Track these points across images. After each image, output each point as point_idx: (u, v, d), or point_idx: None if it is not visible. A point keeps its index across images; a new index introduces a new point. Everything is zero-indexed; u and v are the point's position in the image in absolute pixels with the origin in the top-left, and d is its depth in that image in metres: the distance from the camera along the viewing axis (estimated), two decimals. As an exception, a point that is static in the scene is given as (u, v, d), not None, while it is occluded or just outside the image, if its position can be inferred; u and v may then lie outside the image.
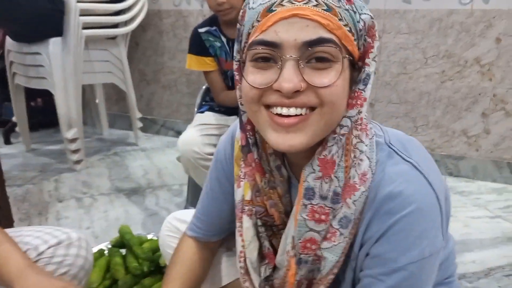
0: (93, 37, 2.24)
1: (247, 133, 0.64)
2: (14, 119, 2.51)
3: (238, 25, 0.58)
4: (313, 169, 0.57)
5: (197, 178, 1.49)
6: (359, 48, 0.54)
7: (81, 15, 2.08)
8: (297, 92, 0.51)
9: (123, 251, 1.29)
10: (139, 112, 2.70)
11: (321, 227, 0.59)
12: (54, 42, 2.06)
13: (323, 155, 0.56)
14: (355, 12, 0.52)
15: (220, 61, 1.52)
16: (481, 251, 1.48)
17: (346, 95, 0.55)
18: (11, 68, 2.31)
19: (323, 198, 0.58)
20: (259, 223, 0.68)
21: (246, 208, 0.67)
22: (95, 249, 1.28)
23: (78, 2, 2.05)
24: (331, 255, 0.60)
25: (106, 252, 1.30)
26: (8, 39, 2.22)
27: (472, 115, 2.06)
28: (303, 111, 0.53)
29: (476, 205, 1.85)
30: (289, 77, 0.50)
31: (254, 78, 0.54)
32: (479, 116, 2.05)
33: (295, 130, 0.53)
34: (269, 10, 0.52)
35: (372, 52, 0.55)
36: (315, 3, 0.50)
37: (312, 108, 0.53)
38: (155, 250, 1.24)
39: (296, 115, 0.53)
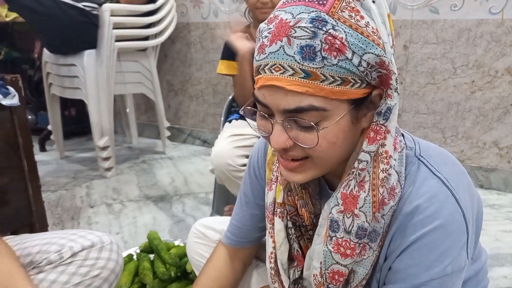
0: (125, 49, 2.33)
1: None
2: (49, 127, 2.62)
3: None
4: (337, 202, 0.59)
5: (232, 189, 1.50)
6: (368, 84, 0.52)
7: (114, 28, 2.17)
8: (286, 148, 0.55)
9: (151, 256, 1.32)
10: (167, 121, 2.76)
11: (347, 262, 0.60)
12: (89, 54, 2.15)
13: (344, 190, 0.58)
14: (351, 59, 0.49)
15: None
16: (513, 266, 1.44)
17: (347, 137, 0.55)
18: (48, 78, 2.41)
19: (347, 232, 0.58)
20: (290, 224, 0.69)
21: (278, 210, 0.69)
22: (124, 254, 1.32)
23: (111, 16, 2.14)
24: (361, 269, 0.61)
25: (134, 257, 1.34)
26: (45, 51, 2.33)
27: (503, 126, 2.00)
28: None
29: (508, 218, 1.79)
30: (276, 138, 0.55)
31: (259, 123, 0.58)
32: (511, 127, 1.99)
33: (296, 172, 0.59)
34: (258, 70, 0.54)
35: (391, 83, 0.53)
36: (291, 72, 0.50)
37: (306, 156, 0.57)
38: (182, 256, 1.27)
39: (294, 159, 0.57)
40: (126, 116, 2.99)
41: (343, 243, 0.59)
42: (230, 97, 1.79)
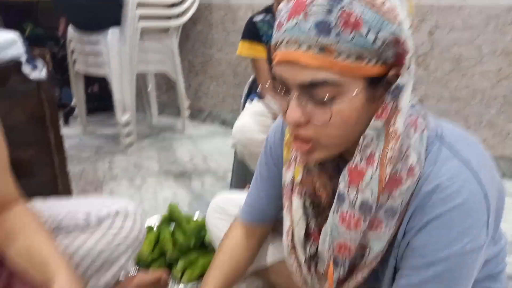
0: (148, 29, 2.34)
1: None
2: (73, 103, 2.68)
3: None
4: (344, 177, 0.60)
5: (253, 165, 1.51)
6: (384, 62, 0.53)
7: (137, 6, 2.18)
8: (300, 124, 0.56)
9: (172, 227, 1.35)
10: (187, 101, 2.79)
11: (351, 235, 0.61)
12: (113, 32, 2.18)
13: (350, 165, 0.59)
14: (366, 35, 0.50)
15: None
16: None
17: (360, 116, 0.55)
18: (72, 56, 2.46)
19: (352, 205, 0.59)
20: (307, 203, 0.70)
21: (297, 189, 0.70)
22: (146, 224, 1.36)
23: (136, -6, 2.16)
24: (377, 244, 0.62)
25: (155, 227, 1.38)
26: (70, 29, 2.37)
27: (529, 115, 1.96)
28: None
29: (528, 209, 1.76)
30: (291, 113, 0.56)
31: (277, 100, 0.60)
32: (537, 117, 1.95)
33: (307, 153, 0.60)
34: (275, 47, 0.55)
35: (405, 62, 0.53)
36: (306, 47, 0.51)
37: None
38: (201, 228, 1.30)
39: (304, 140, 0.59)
40: (147, 95, 3.03)
41: (347, 217, 0.60)
42: (251, 79, 1.79)
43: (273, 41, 0.56)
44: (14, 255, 0.78)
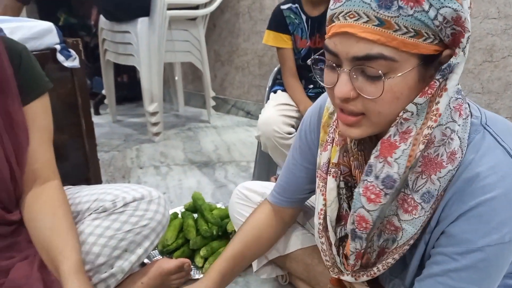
0: (176, 18, 2.37)
1: None
2: (103, 92, 2.76)
3: None
4: (377, 149, 0.60)
5: (276, 157, 1.53)
6: (441, 40, 0.53)
7: (166, -4, 2.21)
8: (348, 98, 0.56)
9: (195, 215, 1.39)
10: (213, 91, 2.81)
11: (370, 207, 0.61)
12: (142, 22, 2.21)
13: (384, 137, 0.59)
14: (427, 11, 0.50)
15: (295, 39, 1.55)
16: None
17: (411, 95, 0.55)
18: (103, 45, 2.52)
19: (376, 177, 0.60)
20: (342, 184, 0.71)
21: (332, 170, 0.71)
22: (170, 212, 1.39)
23: (164, -16, 2.18)
24: (410, 227, 0.62)
25: (179, 215, 1.42)
26: (102, 18, 2.42)
27: None
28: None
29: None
30: (341, 87, 0.56)
31: (326, 74, 0.60)
32: None
33: (352, 126, 0.60)
34: (331, 19, 0.55)
35: (461, 42, 0.53)
36: (365, 19, 0.51)
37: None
38: (224, 217, 1.33)
39: (352, 113, 0.58)
40: (174, 85, 3.07)
41: (370, 187, 0.60)
42: (276, 69, 1.79)
43: (329, 13, 0.56)
44: (34, 238, 0.84)
